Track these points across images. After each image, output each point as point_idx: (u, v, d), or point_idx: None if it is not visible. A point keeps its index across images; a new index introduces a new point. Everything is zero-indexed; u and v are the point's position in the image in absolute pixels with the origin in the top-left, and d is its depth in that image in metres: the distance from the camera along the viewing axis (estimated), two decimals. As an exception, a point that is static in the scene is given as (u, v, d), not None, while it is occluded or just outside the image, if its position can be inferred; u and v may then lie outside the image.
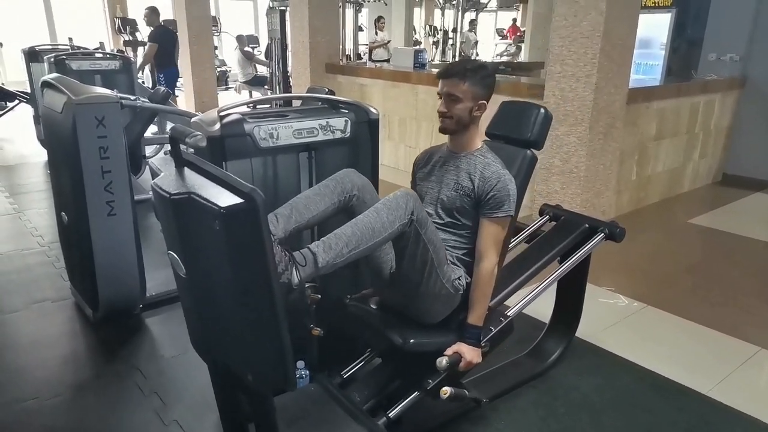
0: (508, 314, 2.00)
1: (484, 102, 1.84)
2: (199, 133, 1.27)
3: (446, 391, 1.78)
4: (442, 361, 1.75)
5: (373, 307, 1.95)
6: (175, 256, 1.32)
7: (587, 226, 2.30)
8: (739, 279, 3.41)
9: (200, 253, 1.26)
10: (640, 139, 4.37)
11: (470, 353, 1.79)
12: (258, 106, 2.04)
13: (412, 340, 1.78)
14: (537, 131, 1.98)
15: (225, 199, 1.14)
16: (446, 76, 1.82)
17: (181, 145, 1.35)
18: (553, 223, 2.45)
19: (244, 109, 1.87)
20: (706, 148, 5.17)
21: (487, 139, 2.10)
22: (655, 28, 6.20)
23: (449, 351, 1.78)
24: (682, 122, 4.75)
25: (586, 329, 2.58)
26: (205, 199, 1.15)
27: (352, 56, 8.03)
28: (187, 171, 1.32)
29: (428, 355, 1.79)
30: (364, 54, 10.21)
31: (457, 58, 11.37)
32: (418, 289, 1.76)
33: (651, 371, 2.39)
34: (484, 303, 1.82)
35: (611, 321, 2.84)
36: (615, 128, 3.92)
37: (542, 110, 2.02)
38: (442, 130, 1.89)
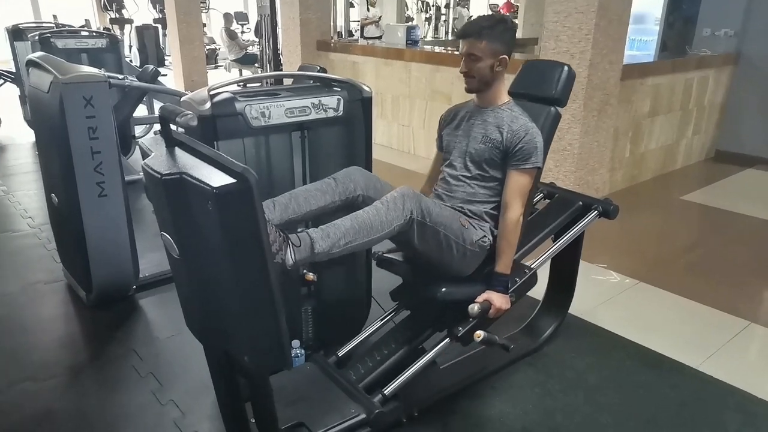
0: (533, 266, 2.07)
1: (505, 57, 1.87)
2: (189, 112, 1.25)
3: (479, 334, 1.84)
4: (474, 308, 1.82)
5: (402, 260, 2.00)
6: (168, 237, 1.30)
7: (581, 203, 2.30)
8: (730, 254, 3.43)
9: (193, 234, 1.25)
10: (634, 116, 4.36)
11: (499, 300, 1.85)
12: (249, 85, 2.01)
13: (444, 289, 1.85)
14: (561, 88, 2.03)
15: (217, 179, 1.12)
16: (464, 36, 1.85)
17: (171, 125, 1.33)
18: (547, 201, 2.45)
19: (235, 87, 1.83)
20: (700, 124, 5.16)
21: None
22: (649, 4, 6.15)
23: (480, 299, 1.84)
24: (676, 99, 4.73)
25: (579, 306, 2.60)
26: (198, 180, 1.14)
27: (343, 33, 7.92)
28: (178, 151, 1.30)
29: (458, 304, 1.85)
30: (356, 31, 10.07)
31: (450, 36, 11.24)
32: (442, 260, 1.82)
33: (644, 347, 2.42)
34: (510, 252, 1.87)
35: (604, 298, 2.86)
36: (609, 105, 3.90)
37: (566, 68, 2.06)
38: (468, 90, 1.94)
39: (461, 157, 1.95)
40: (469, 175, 1.93)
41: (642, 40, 6.36)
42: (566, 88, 2.03)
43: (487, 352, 2.28)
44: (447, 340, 1.91)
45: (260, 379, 1.48)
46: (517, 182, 1.87)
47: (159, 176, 1.19)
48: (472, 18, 2.02)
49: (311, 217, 1.76)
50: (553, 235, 2.25)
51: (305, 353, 2.05)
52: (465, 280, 1.93)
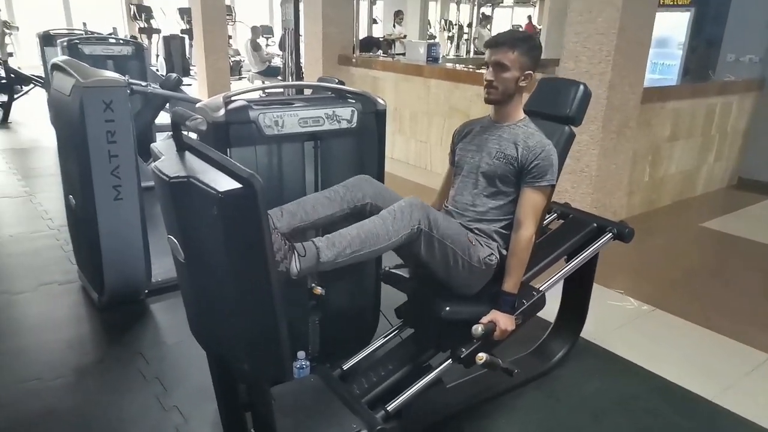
0: (541, 288, 2.01)
1: (531, 73, 1.85)
2: (199, 116, 1.25)
3: (482, 357, 1.80)
4: (478, 329, 1.77)
5: (409, 277, 1.97)
6: (175, 240, 1.31)
7: (595, 225, 2.26)
8: (751, 284, 3.35)
9: (198, 238, 1.25)
10: (653, 140, 4.30)
11: (505, 321, 1.80)
12: (265, 94, 2.03)
13: (448, 308, 1.80)
14: (576, 107, 2.00)
15: (223, 183, 1.12)
16: (495, 45, 1.84)
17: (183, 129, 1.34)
18: (561, 221, 2.41)
19: (250, 96, 1.85)
20: (722, 150, 5.08)
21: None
22: (672, 28, 6.11)
23: (485, 319, 1.80)
24: (697, 124, 4.67)
25: (592, 330, 2.55)
26: (204, 183, 1.14)
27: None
28: (188, 155, 1.30)
29: (463, 323, 1.81)
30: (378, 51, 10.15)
31: (471, 54, 11.27)
32: (449, 274, 1.79)
33: (657, 375, 2.36)
34: (520, 271, 1.84)
35: (619, 323, 2.80)
36: (628, 127, 3.86)
37: (581, 86, 2.03)
38: (488, 101, 1.91)
39: (473, 172, 1.93)
40: (479, 191, 1.91)
41: (665, 64, 6.30)
42: (581, 107, 2.00)
43: (494, 375, 2.25)
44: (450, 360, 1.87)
45: (260, 388, 1.46)
46: (531, 200, 1.84)
47: (167, 179, 1.19)
48: (502, 31, 2.00)
49: (320, 225, 1.75)
50: (566, 256, 2.22)
51: (310, 365, 2.03)
52: (470, 299, 1.89)
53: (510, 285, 1.83)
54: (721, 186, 5.29)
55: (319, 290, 1.94)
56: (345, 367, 2.07)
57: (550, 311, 2.50)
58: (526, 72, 1.84)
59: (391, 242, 1.61)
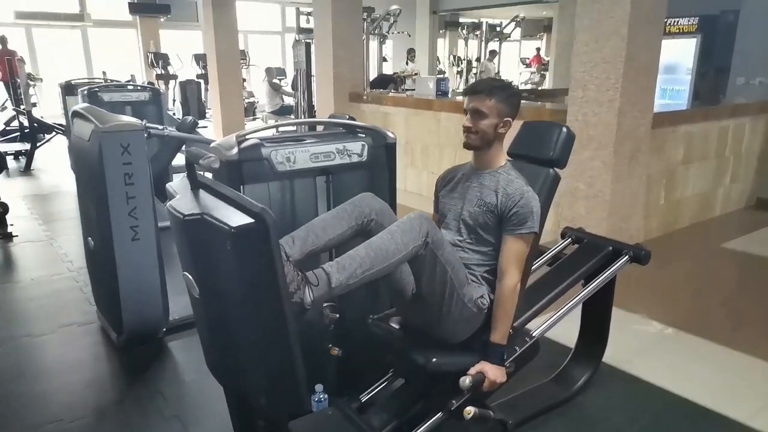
0: (533, 334, 1.96)
1: (510, 119, 1.85)
2: (212, 155, 1.29)
3: (470, 411, 1.76)
4: (465, 381, 1.73)
5: (396, 326, 1.94)
6: (189, 277, 1.33)
7: (611, 248, 2.25)
8: (776, 305, 3.27)
9: (213, 274, 1.27)
10: (667, 164, 4.29)
11: (494, 372, 1.76)
12: (278, 132, 2.08)
13: (434, 359, 1.76)
14: (559, 150, 1.97)
15: (236, 219, 1.15)
16: (473, 92, 1.84)
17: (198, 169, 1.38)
18: (576, 246, 2.40)
19: (263, 134, 1.90)
20: (738, 172, 5.04)
21: (510, 159, 2.09)
22: (680, 54, 6.15)
23: (473, 370, 1.76)
24: (710, 146, 4.65)
25: (615, 355, 2.50)
26: (217, 219, 1.17)
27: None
28: (202, 193, 1.34)
29: (451, 375, 1.76)
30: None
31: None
32: (441, 310, 1.75)
33: (684, 398, 2.30)
34: (507, 321, 1.79)
35: (641, 346, 2.74)
36: (641, 152, 3.86)
37: (564, 129, 2.01)
38: (467, 146, 1.90)
39: (456, 220, 1.89)
40: (462, 239, 1.87)
41: (674, 90, 6.32)
42: (565, 149, 1.97)
43: (518, 403, 2.21)
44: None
45: (278, 423, 1.46)
46: (512, 248, 1.79)
47: (181, 216, 1.22)
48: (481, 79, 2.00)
49: (332, 245, 1.74)
50: (583, 280, 2.20)
51: (328, 398, 2.02)
52: (457, 349, 1.83)
53: (498, 336, 1.79)
54: (740, 206, 5.22)
55: (333, 316, 1.92)
56: (363, 399, 2.06)
57: (570, 337, 2.47)
58: (505, 119, 1.83)
59: (402, 255, 1.59)
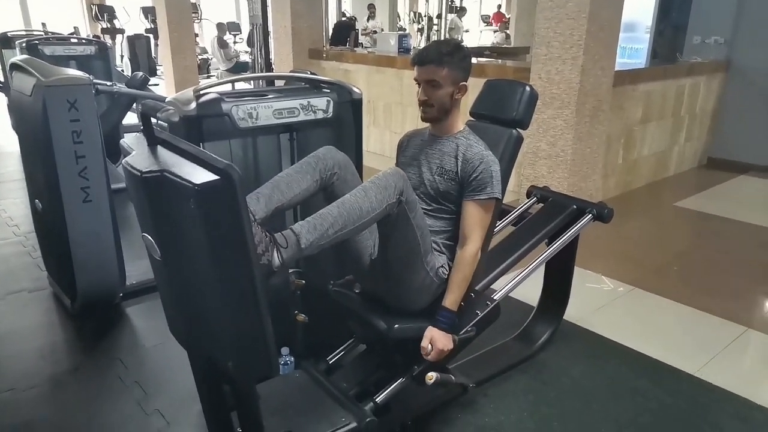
0: (495, 297, 1.94)
1: (465, 84, 1.78)
2: (171, 107, 1.20)
3: (431, 376, 1.76)
4: (427, 348, 1.71)
5: (357, 292, 1.90)
6: (150, 238, 1.26)
7: (575, 207, 2.27)
8: (725, 260, 3.41)
9: (175, 235, 1.20)
10: (626, 123, 4.35)
11: (442, 340, 1.70)
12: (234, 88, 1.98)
13: (396, 326, 1.73)
14: (522, 110, 1.92)
15: (199, 176, 1.08)
16: (422, 63, 1.74)
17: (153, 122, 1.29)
18: (541, 205, 2.41)
19: (222, 88, 1.80)
20: (692, 131, 5.17)
21: (472, 119, 2.04)
22: (639, 12, 6.18)
23: (424, 341, 1.72)
24: (668, 105, 4.74)
25: (574, 312, 2.57)
26: (179, 177, 1.09)
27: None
28: (160, 149, 1.25)
29: (413, 341, 1.74)
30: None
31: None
32: (401, 277, 1.71)
33: (640, 353, 2.38)
34: (463, 287, 1.75)
35: (599, 304, 2.82)
36: (602, 111, 3.89)
37: (527, 88, 1.95)
38: (425, 120, 1.82)
39: (416, 188, 1.82)
40: (425, 207, 1.81)
41: (633, 48, 6.38)
42: (528, 109, 1.92)
43: (480, 362, 2.24)
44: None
45: (246, 387, 1.42)
46: (473, 214, 1.74)
47: (139, 174, 1.14)
48: (427, 44, 1.90)
49: (297, 202, 1.66)
50: (547, 239, 2.22)
51: (295, 360, 2.00)
52: (419, 314, 1.79)
53: (450, 301, 1.73)
54: (693, 166, 5.39)
55: (299, 282, 1.89)
56: (330, 360, 2.05)
57: (532, 295, 2.52)
58: (460, 84, 1.76)
59: (375, 214, 1.53)
